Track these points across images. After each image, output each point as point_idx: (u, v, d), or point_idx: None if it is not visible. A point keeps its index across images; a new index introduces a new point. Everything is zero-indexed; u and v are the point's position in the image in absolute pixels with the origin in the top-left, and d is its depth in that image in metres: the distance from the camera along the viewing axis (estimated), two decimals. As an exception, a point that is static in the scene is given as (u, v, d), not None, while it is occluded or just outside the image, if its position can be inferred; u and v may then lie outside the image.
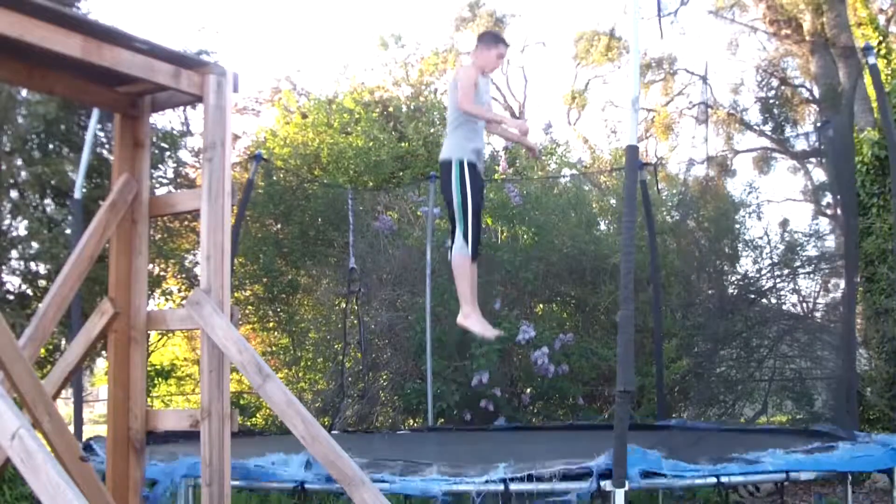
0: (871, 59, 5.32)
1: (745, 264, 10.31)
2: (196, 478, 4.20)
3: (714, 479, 3.99)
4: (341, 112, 12.86)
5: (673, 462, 4.04)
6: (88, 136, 6.18)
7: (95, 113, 6.17)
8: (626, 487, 3.73)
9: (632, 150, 3.96)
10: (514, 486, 3.86)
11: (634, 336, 8.97)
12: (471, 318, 5.18)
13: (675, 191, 11.57)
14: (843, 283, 6.90)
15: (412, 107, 14.54)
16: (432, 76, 17.64)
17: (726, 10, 17.97)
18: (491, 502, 3.95)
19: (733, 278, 10.25)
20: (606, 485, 3.75)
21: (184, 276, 10.83)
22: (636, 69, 4.01)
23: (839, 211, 7.69)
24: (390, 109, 14.01)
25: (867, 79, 8.66)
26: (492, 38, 5.31)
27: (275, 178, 11.17)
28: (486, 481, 3.89)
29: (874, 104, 8.57)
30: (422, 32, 42.74)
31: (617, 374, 3.78)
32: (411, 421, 9.38)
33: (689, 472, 3.98)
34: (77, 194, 6.37)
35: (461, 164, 4.99)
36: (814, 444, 4.76)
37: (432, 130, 13.69)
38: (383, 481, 3.91)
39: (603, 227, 10.66)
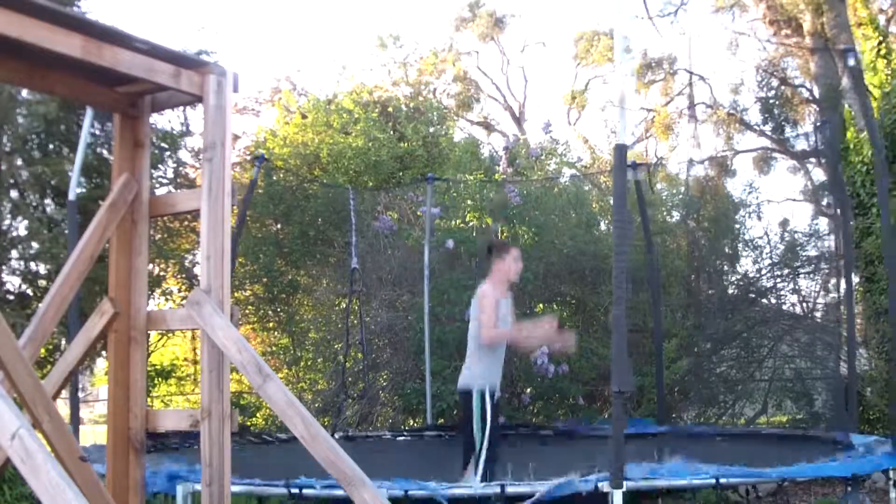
0: (851, 62, 5.32)
1: (745, 264, 10.32)
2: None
3: (713, 481, 3.99)
4: (341, 112, 12.87)
5: (672, 466, 4.05)
6: (82, 138, 6.16)
7: (89, 114, 6.16)
8: (624, 488, 3.73)
9: (620, 150, 3.97)
10: (510, 490, 3.87)
11: (634, 336, 9.00)
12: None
13: (674, 191, 11.58)
14: (843, 283, 6.90)
15: (411, 107, 14.54)
16: (431, 76, 17.66)
17: (726, 10, 17.95)
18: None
19: (733, 278, 10.26)
20: (604, 486, 3.75)
21: (184, 276, 10.84)
22: (622, 65, 4.02)
23: (838, 211, 7.70)
24: (389, 109, 14.01)
25: (867, 79, 8.66)
26: (500, 248, 5.25)
27: (275, 178, 11.17)
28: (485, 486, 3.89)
29: (874, 104, 8.58)
30: (421, 32, 42.75)
31: (612, 375, 3.78)
32: (411, 421, 9.38)
33: (687, 475, 3.98)
34: (71, 195, 6.33)
35: (482, 395, 4.83)
36: (813, 450, 4.76)
37: (431, 130, 13.70)
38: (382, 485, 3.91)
39: (603, 226, 10.66)
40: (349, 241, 8.97)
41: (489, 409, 4.78)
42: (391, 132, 13.05)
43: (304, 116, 13.55)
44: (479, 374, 4.89)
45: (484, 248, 5.34)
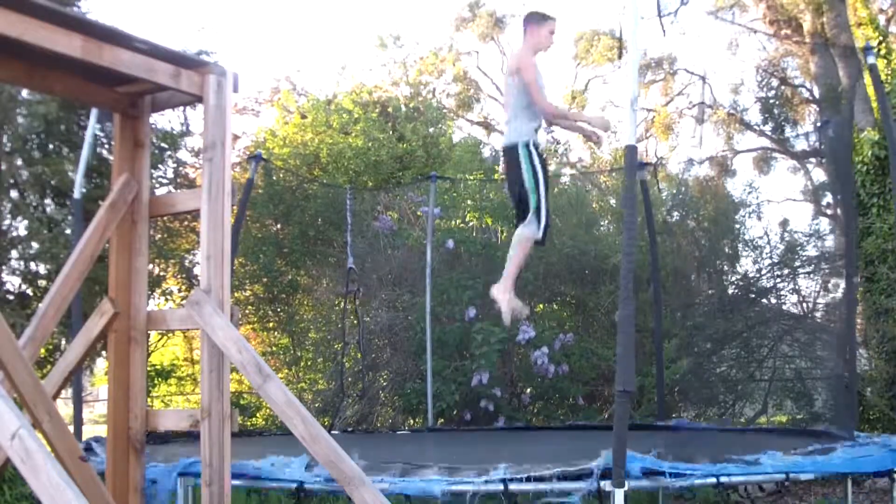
0: (871, 59, 5.31)
1: (745, 264, 10.32)
2: (195, 476, 4.20)
3: (714, 480, 3.99)
4: (340, 112, 12.87)
5: (672, 463, 4.04)
6: (88, 136, 6.17)
7: (94, 113, 6.16)
8: (626, 487, 3.72)
9: (631, 150, 3.95)
10: (513, 486, 3.86)
11: (634, 336, 8.97)
12: (505, 294, 5.10)
13: (674, 191, 11.58)
14: (843, 284, 6.91)
15: (411, 107, 14.55)
16: (431, 76, 17.67)
17: (726, 10, 17.95)
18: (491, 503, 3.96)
19: (733, 278, 10.26)
20: (606, 485, 3.75)
21: (184, 276, 10.84)
22: (635, 69, 4.01)
23: (839, 211, 7.70)
24: (389, 109, 14.01)
25: (867, 79, 8.66)
26: (540, 17, 5.21)
27: (275, 178, 11.17)
28: (486, 481, 3.88)
29: (874, 104, 8.58)
30: (421, 32, 42.72)
31: (616, 374, 3.77)
32: (411, 421, 9.38)
33: (688, 471, 3.97)
34: (77, 194, 6.36)
35: (528, 146, 4.94)
36: (813, 445, 4.75)
37: (431, 130, 13.70)
38: (383, 482, 3.90)
39: (603, 227, 10.66)
40: (347, 241, 8.98)
41: (536, 159, 4.90)
42: (391, 132, 13.05)
43: (303, 116, 13.55)
44: (521, 128, 4.97)
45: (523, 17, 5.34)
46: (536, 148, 4.99)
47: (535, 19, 5.19)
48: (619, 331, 3.83)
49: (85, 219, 6.38)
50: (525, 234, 4.97)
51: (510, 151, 5.02)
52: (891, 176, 5.17)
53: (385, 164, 11.88)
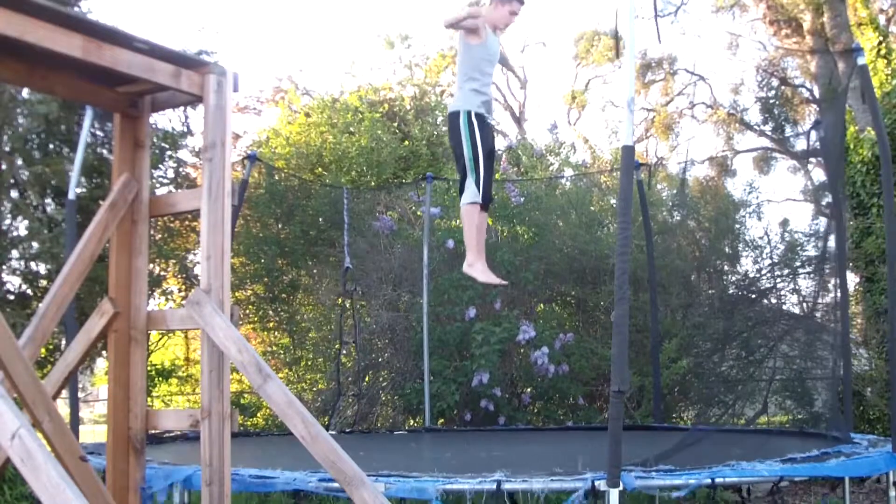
0: (861, 60, 5.31)
1: (746, 264, 10.32)
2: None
3: (709, 481, 3.99)
4: (345, 111, 12.87)
5: (663, 472, 4.04)
6: (82, 137, 6.16)
7: (88, 114, 6.16)
8: (620, 487, 3.72)
9: (627, 151, 3.95)
10: (507, 486, 3.86)
11: (635, 336, 8.99)
12: (475, 267, 5.28)
13: (674, 191, 11.58)
14: (836, 284, 6.91)
15: (417, 107, 14.55)
16: (438, 76, 17.68)
17: (726, 10, 17.96)
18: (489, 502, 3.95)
19: (733, 278, 10.26)
20: (601, 484, 3.75)
21: (184, 276, 10.84)
22: (631, 70, 4.00)
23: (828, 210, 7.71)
24: (395, 109, 14.03)
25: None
26: None
27: (276, 177, 11.18)
28: (481, 482, 3.88)
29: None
30: (421, 32, 42.71)
31: (611, 374, 3.78)
32: (411, 421, 9.38)
33: (683, 475, 3.97)
34: (71, 195, 6.34)
35: (469, 114, 5.11)
36: (810, 450, 4.75)
37: (436, 133, 13.73)
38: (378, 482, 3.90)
39: (604, 227, 10.65)
40: (344, 240, 8.98)
41: (476, 126, 5.08)
42: (395, 132, 13.06)
43: (307, 115, 13.56)
44: (464, 97, 5.16)
45: None
46: (481, 118, 5.14)
47: None
48: (614, 331, 3.84)
49: (80, 219, 6.39)
50: (465, 202, 5.15)
51: (453, 117, 5.20)
52: (882, 175, 5.16)
53: (388, 164, 11.88)
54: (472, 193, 5.10)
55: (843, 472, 4.53)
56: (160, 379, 11.33)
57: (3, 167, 8.58)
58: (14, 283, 9.01)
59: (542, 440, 7.13)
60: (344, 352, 9.45)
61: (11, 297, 8.78)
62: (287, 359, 10.84)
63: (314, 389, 10.24)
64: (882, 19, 13.57)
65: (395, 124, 13.66)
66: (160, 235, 10.31)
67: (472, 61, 5.17)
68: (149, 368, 8.34)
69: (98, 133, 9.11)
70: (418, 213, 10.13)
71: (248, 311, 11.08)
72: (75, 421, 6.39)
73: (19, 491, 6.33)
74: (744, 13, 17.97)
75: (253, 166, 8.65)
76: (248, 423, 9.97)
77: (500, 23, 5.35)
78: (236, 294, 10.69)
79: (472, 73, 5.17)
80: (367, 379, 9.60)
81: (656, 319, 7.97)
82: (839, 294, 6.37)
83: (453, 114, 5.20)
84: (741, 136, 19.26)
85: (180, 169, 10.65)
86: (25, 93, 8.40)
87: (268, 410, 9.64)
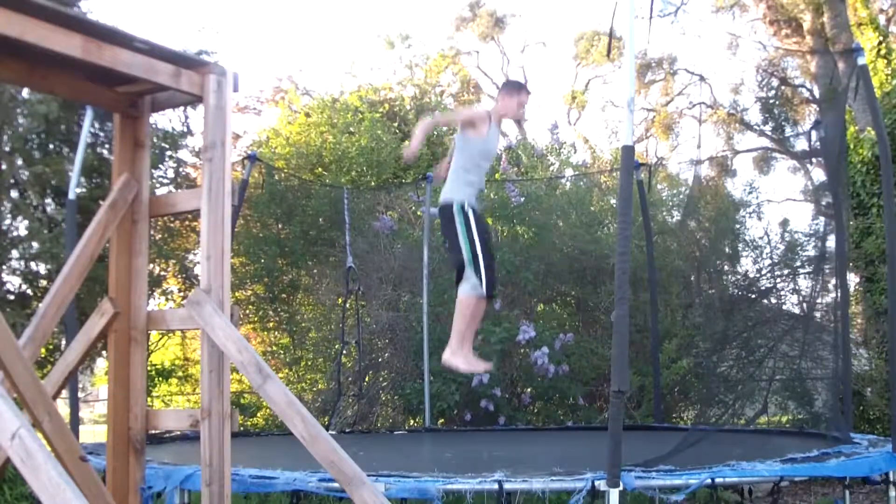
0: (861, 60, 5.31)
1: (746, 264, 10.32)
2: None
3: (709, 481, 3.98)
4: (345, 111, 12.87)
5: (668, 467, 4.04)
6: (82, 137, 6.15)
7: (89, 114, 6.16)
8: (621, 487, 3.72)
9: (627, 151, 3.95)
10: (508, 486, 3.86)
11: (635, 336, 8.98)
12: (457, 355, 4.98)
13: (675, 191, 11.58)
14: (836, 284, 6.91)
15: (417, 107, 14.55)
16: (438, 76, 17.69)
17: (726, 10, 17.95)
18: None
19: (733, 278, 10.26)
20: (601, 484, 3.75)
21: (184, 276, 10.84)
22: (631, 70, 4.00)
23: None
24: (395, 109, 14.03)
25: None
26: (515, 86, 5.28)
27: (276, 177, 11.17)
28: (481, 481, 3.88)
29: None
30: (421, 32, 42.72)
31: (611, 374, 3.78)
32: (411, 421, 9.38)
33: (683, 476, 3.97)
34: (71, 195, 6.33)
35: (463, 206, 4.91)
36: (810, 450, 4.75)
37: (436, 132, 13.71)
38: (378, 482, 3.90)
39: (604, 227, 10.66)
40: (345, 240, 8.98)
41: (472, 220, 4.89)
42: (395, 132, 13.06)
43: (307, 115, 13.56)
44: (457, 187, 4.99)
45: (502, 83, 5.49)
46: (473, 210, 4.94)
47: (510, 87, 5.27)
48: (614, 331, 3.84)
49: (80, 219, 6.39)
50: (466, 291, 4.88)
51: (445, 211, 4.98)
52: (882, 175, 5.16)
53: (388, 164, 11.88)
54: (473, 286, 4.83)
55: (844, 472, 4.52)
56: (160, 379, 11.33)
57: (3, 167, 8.58)
58: (14, 283, 9.02)
59: (542, 440, 7.12)
60: (344, 352, 9.44)
61: (11, 297, 8.78)
62: (287, 359, 10.84)
63: (314, 389, 10.23)
64: (882, 19, 13.57)
65: (395, 124, 13.66)
66: (160, 235, 10.31)
67: (470, 154, 5.02)
68: (149, 368, 8.35)
69: (98, 133, 9.11)
70: (418, 213, 10.13)
71: (248, 311, 11.08)
72: (75, 421, 6.39)
73: (19, 491, 6.33)
74: (744, 13, 17.97)
75: (253, 166, 8.65)
76: (248, 423, 9.97)
77: (510, 114, 5.22)
78: (236, 294, 10.69)
79: (468, 165, 5.01)
80: (367, 379, 9.60)
81: (656, 319, 7.97)
82: (839, 294, 6.37)
83: (446, 206, 4.98)
84: (741, 136, 19.27)
85: (180, 169, 10.65)
86: (25, 93, 8.40)
87: (268, 410, 9.64)
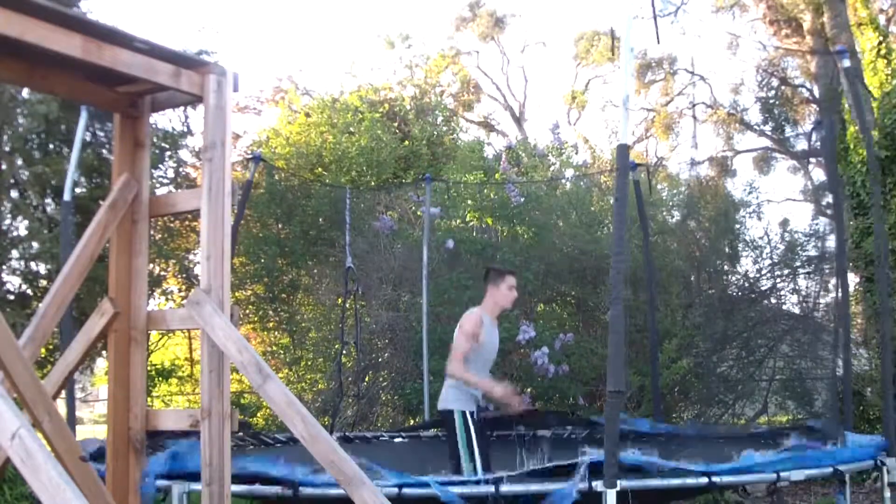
0: (846, 62, 5.32)
1: (746, 264, 10.32)
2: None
3: (709, 481, 3.99)
4: (345, 111, 12.87)
5: (663, 462, 4.05)
6: (77, 138, 6.13)
7: (84, 114, 6.14)
8: (618, 488, 3.72)
9: (622, 150, 3.95)
10: (504, 487, 3.86)
11: (635, 336, 8.97)
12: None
13: (675, 191, 11.58)
14: (836, 284, 6.92)
15: (417, 107, 14.56)
16: (438, 76, 17.70)
17: (726, 10, 17.96)
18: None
19: (733, 278, 10.26)
20: (598, 485, 3.75)
21: (184, 276, 10.84)
22: (627, 68, 4.01)
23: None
24: (395, 109, 14.04)
25: (866, 79, 8.65)
26: (496, 274, 5.23)
27: (276, 177, 11.18)
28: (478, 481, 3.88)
29: (874, 104, 8.58)
30: (421, 32, 42.74)
31: (607, 375, 3.78)
32: (411, 421, 9.38)
33: (683, 476, 3.97)
34: (67, 196, 6.30)
35: (464, 416, 4.89)
36: (802, 440, 4.76)
37: (435, 132, 13.73)
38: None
39: (603, 226, 10.66)
40: (345, 240, 8.98)
41: (472, 429, 4.82)
42: (395, 132, 13.06)
43: (307, 115, 13.57)
44: (456, 394, 4.93)
45: (483, 273, 5.40)
46: (472, 415, 4.89)
47: (493, 277, 5.21)
48: (609, 331, 3.84)
49: (80, 219, 6.39)
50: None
51: (445, 416, 4.96)
52: (869, 175, 5.18)
53: (388, 164, 11.89)
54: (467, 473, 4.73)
55: (838, 459, 4.53)
56: (160, 379, 11.33)
57: (3, 167, 8.58)
58: (14, 283, 9.02)
59: (541, 440, 7.11)
60: (344, 352, 9.45)
61: (11, 297, 8.78)
62: (287, 359, 10.84)
63: (314, 389, 10.23)
64: (882, 19, 13.56)
65: (395, 124, 13.67)
66: (160, 235, 10.32)
67: (477, 358, 5.01)
68: (149, 368, 8.35)
69: (98, 133, 9.11)
70: (418, 213, 10.13)
71: (248, 311, 11.09)
72: (72, 421, 6.39)
73: (19, 491, 6.33)
74: (744, 13, 17.98)
75: (256, 167, 8.65)
76: (248, 423, 9.96)
77: (504, 303, 5.19)
78: (236, 294, 10.69)
79: (478, 367, 5.00)
80: (367, 379, 9.60)
81: (655, 319, 7.97)
82: (839, 294, 6.37)
83: (445, 413, 4.96)
84: (741, 136, 19.27)
85: (180, 169, 10.66)
86: (25, 93, 8.41)
87: (268, 410, 9.64)
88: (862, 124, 5.42)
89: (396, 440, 7.55)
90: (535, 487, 3.87)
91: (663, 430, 6.93)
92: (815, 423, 6.08)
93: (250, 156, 9.38)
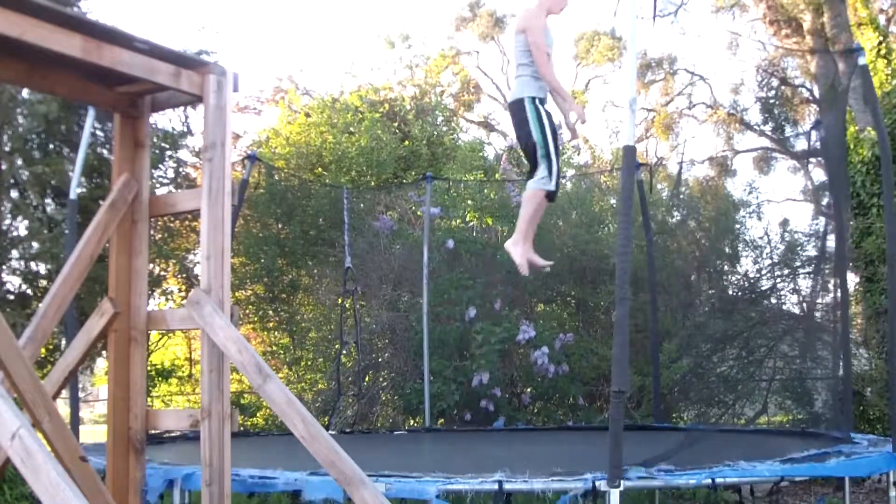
0: (862, 60, 5.31)
1: (746, 264, 10.32)
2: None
3: (709, 481, 3.98)
4: (345, 111, 12.87)
5: (668, 466, 4.04)
6: (84, 137, 6.16)
7: (91, 114, 6.16)
8: (621, 487, 3.72)
9: (629, 151, 3.94)
10: (508, 486, 3.85)
11: (635, 336, 8.97)
12: (517, 246, 5.12)
13: (675, 191, 11.57)
14: (836, 284, 6.91)
15: (417, 107, 14.55)
16: (438, 76, 17.70)
17: (726, 10, 17.95)
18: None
19: (733, 278, 10.26)
20: (601, 485, 3.74)
21: (184, 276, 10.84)
22: (633, 70, 4.00)
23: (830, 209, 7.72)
24: (395, 109, 14.03)
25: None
26: None
27: (276, 177, 11.17)
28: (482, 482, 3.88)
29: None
30: (421, 32, 42.72)
31: (612, 374, 3.78)
32: (411, 421, 9.38)
33: (683, 476, 3.97)
34: (72, 194, 6.34)
35: (534, 100, 4.96)
36: (810, 450, 4.75)
37: (435, 133, 13.73)
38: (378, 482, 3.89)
39: (604, 227, 10.66)
40: (345, 240, 8.98)
41: (543, 112, 4.94)
42: (395, 132, 13.06)
43: (307, 115, 13.56)
44: (527, 83, 4.99)
45: None
46: (542, 104, 5.00)
47: None
48: (615, 331, 3.84)
49: (80, 219, 6.40)
50: (534, 187, 4.98)
51: (516, 105, 5.04)
52: (883, 175, 5.16)
53: (388, 164, 11.88)
54: (543, 181, 4.92)
55: (844, 472, 4.52)
56: (160, 379, 11.33)
57: (3, 167, 8.58)
58: (14, 283, 9.02)
59: (541, 440, 7.12)
60: (344, 352, 9.45)
61: (11, 297, 8.78)
62: (287, 359, 10.83)
63: (314, 389, 10.23)
64: (882, 19, 13.57)
65: (395, 124, 13.66)
66: (160, 235, 10.31)
67: (530, 54, 5.00)
68: (149, 368, 8.34)
69: (98, 133, 9.11)
70: (418, 213, 10.13)
71: (248, 311, 11.08)
72: (75, 421, 6.39)
73: (19, 491, 6.33)
74: (744, 13, 17.96)
75: (253, 166, 8.64)
76: (248, 423, 9.97)
77: (556, 8, 5.16)
78: (236, 294, 10.68)
79: (531, 59, 4.98)
80: (367, 379, 9.60)
81: (656, 319, 7.97)
82: (839, 294, 6.37)
83: (517, 101, 5.03)
84: (741, 136, 19.26)
85: (180, 169, 10.65)
86: (25, 93, 8.40)
87: (268, 410, 9.64)
88: (877, 122, 5.40)
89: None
90: (537, 486, 3.86)
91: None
92: (828, 431, 6.05)
93: (245, 156, 9.38)
